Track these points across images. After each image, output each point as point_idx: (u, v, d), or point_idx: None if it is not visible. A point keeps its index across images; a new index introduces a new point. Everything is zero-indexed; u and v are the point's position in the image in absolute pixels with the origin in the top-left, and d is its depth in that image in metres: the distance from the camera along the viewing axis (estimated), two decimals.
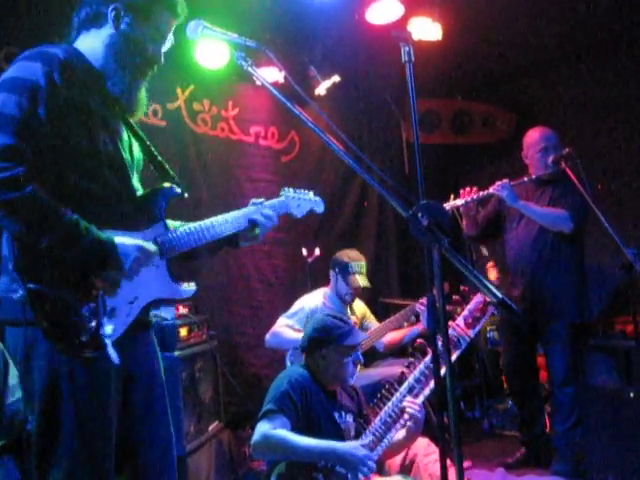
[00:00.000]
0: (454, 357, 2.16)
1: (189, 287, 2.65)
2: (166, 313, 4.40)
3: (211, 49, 5.39)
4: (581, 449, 4.74)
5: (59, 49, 2.39)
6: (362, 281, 5.09)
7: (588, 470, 4.62)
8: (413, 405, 3.28)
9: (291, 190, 3.10)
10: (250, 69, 2.41)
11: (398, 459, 3.47)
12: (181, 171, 5.89)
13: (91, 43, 2.48)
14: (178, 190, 2.67)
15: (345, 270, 5.07)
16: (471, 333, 3.50)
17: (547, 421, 5.18)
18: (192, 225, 2.67)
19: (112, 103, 2.50)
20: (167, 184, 2.67)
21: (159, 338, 4.21)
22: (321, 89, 6.27)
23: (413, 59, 2.38)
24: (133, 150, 2.62)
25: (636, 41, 6.40)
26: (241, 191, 6.31)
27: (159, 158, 2.73)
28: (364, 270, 5.15)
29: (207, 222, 2.71)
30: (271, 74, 5.29)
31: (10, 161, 2.12)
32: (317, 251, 5.74)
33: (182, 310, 4.66)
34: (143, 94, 2.61)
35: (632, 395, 4.27)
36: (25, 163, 2.15)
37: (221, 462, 4.78)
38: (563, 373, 4.82)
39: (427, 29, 5.64)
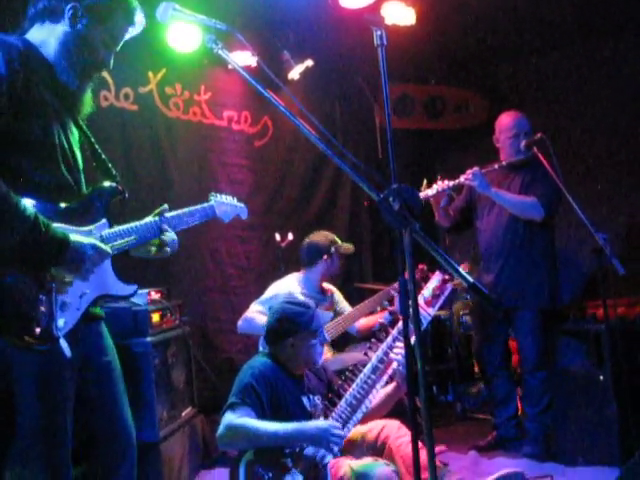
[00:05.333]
0: (414, 338, 2.17)
1: (130, 286, 2.67)
2: (138, 299, 4.37)
3: (183, 32, 5.33)
4: (552, 432, 4.81)
5: (15, 40, 2.39)
6: (350, 246, 5.32)
7: (558, 452, 4.68)
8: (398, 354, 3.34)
9: (219, 195, 3.17)
10: (220, 52, 2.39)
11: (370, 441, 3.49)
12: (153, 155, 5.86)
13: (44, 36, 2.47)
14: (121, 189, 2.67)
15: (339, 247, 5.19)
16: (431, 311, 3.52)
17: (518, 404, 5.23)
18: (130, 224, 2.66)
19: (63, 97, 2.50)
20: (110, 183, 2.66)
21: (131, 324, 4.27)
22: (294, 73, 6.24)
23: (385, 43, 2.38)
24: (80, 146, 2.64)
25: (609, 29, 6.44)
26: (213, 176, 6.28)
27: (103, 156, 2.73)
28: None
29: (143, 222, 2.70)
30: (243, 58, 5.24)
31: None
32: (290, 236, 5.74)
33: (154, 295, 4.62)
34: (89, 94, 2.62)
35: (602, 378, 4.33)
36: None
37: (194, 447, 4.77)
38: (534, 358, 4.87)
39: (401, 14, 5.63)
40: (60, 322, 2.28)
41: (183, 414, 4.71)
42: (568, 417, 4.62)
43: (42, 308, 2.23)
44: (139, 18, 2.61)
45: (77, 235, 2.37)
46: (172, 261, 5.67)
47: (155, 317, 4.47)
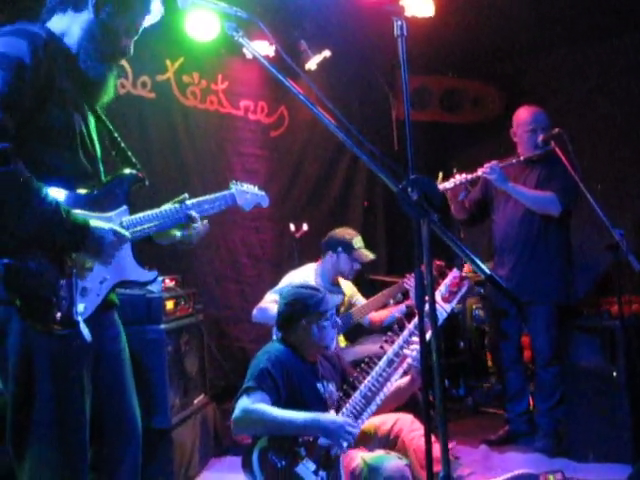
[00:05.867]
0: (429, 334, 2.17)
1: (150, 272, 2.68)
2: (153, 286, 4.37)
3: (201, 21, 5.33)
4: (563, 427, 4.80)
5: (39, 29, 2.42)
6: (369, 254, 5.12)
7: (569, 448, 4.67)
8: (413, 350, 3.34)
9: (239, 183, 3.13)
10: (241, 40, 2.38)
11: (383, 434, 3.50)
12: (169, 144, 5.87)
13: (66, 25, 2.49)
14: (141, 176, 2.68)
15: (350, 247, 5.02)
16: (448, 308, 3.52)
17: (530, 399, 5.21)
18: (150, 211, 2.67)
19: (83, 86, 2.52)
20: (130, 170, 2.68)
21: (145, 311, 4.29)
22: (312, 64, 6.23)
23: (406, 34, 2.36)
24: (98, 135, 2.66)
25: (629, 23, 6.39)
26: (229, 165, 6.30)
27: (122, 144, 2.74)
28: (363, 244, 5.16)
29: (163, 209, 2.71)
30: (261, 48, 5.24)
31: None
32: (305, 227, 5.73)
33: (169, 283, 4.64)
34: (111, 83, 2.63)
35: (615, 374, 4.32)
36: (10, 140, 2.16)
37: (206, 435, 4.80)
38: (547, 353, 4.86)
39: (420, 5, 5.59)
40: (80, 307, 2.30)
41: (195, 402, 4.74)
42: (580, 413, 4.61)
43: (63, 293, 2.25)
44: (156, 6, 2.63)
45: (97, 221, 2.39)
46: (187, 250, 5.68)
47: (169, 305, 4.49)
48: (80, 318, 2.29)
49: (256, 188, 3.24)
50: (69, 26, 2.49)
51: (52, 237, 2.23)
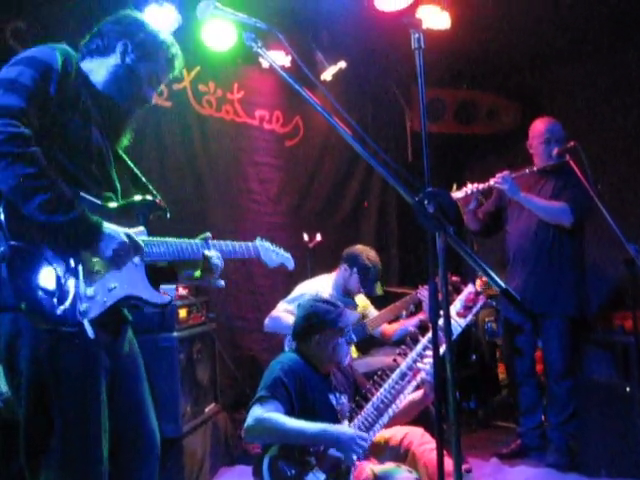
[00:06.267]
0: (443, 349, 2.18)
1: (165, 296, 2.72)
2: None
3: (218, 30, 5.36)
4: (575, 442, 4.76)
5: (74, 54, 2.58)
6: (379, 290, 5.13)
7: (581, 463, 4.64)
8: (426, 364, 3.34)
9: (265, 241, 3.21)
10: (259, 50, 2.40)
11: (393, 446, 3.48)
12: (185, 152, 5.90)
13: (95, 68, 2.63)
14: (162, 205, 2.76)
15: (366, 273, 4.99)
16: (463, 323, 3.52)
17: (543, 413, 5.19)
18: (170, 239, 2.72)
19: (109, 116, 2.64)
20: (150, 197, 2.76)
21: (158, 319, 4.29)
22: (327, 75, 6.23)
23: (423, 46, 2.37)
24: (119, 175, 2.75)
25: None
26: (244, 174, 6.31)
27: (143, 179, 2.85)
28: (379, 276, 5.13)
29: (184, 240, 2.76)
30: (277, 58, 5.24)
31: (20, 121, 2.22)
32: (318, 237, 5.72)
33: (182, 291, 4.66)
34: (130, 128, 2.77)
35: (628, 390, 4.29)
36: (31, 128, 2.25)
37: (217, 444, 4.80)
38: (561, 367, 4.83)
39: (435, 17, 5.60)
40: (83, 306, 2.30)
41: (206, 410, 4.74)
42: (592, 428, 4.58)
43: (66, 288, 2.27)
44: (179, 65, 2.81)
45: (112, 224, 2.43)
46: None
47: (182, 313, 4.51)
48: (81, 318, 2.29)
49: (281, 250, 3.30)
50: (96, 68, 2.62)
51: (64, 229, 2.27)
